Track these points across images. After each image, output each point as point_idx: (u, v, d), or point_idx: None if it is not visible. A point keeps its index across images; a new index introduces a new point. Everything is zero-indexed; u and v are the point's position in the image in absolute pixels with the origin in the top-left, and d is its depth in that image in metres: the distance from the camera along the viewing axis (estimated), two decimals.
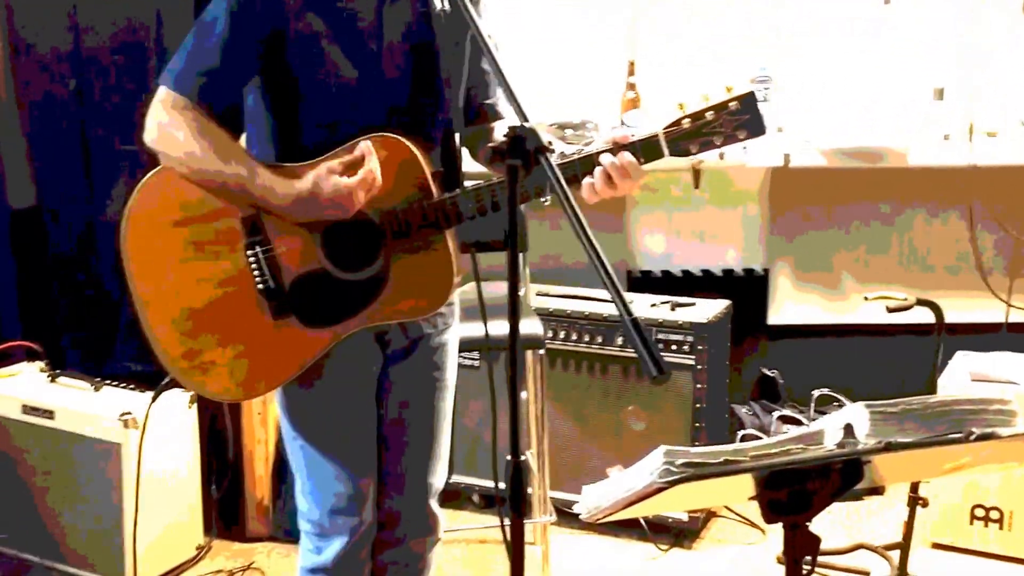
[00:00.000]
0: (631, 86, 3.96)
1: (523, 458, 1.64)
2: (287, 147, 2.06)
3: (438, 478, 2.34)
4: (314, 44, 2.00)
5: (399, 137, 2.00)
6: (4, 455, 3.40)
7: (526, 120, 1.68)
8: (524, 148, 1.64)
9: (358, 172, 1.94)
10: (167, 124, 1.98)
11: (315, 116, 2.04)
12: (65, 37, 3.77)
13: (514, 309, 1.64)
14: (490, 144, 2.12)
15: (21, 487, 3.39)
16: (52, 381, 3.47)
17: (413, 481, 2.30)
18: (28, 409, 3.34)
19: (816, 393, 4.03)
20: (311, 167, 1.98)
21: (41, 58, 3.80)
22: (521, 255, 3.42)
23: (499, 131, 2.19)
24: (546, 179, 1.68)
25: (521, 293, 3.31)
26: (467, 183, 2.07)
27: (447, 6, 2.05)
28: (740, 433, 4.01)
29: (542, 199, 1.90)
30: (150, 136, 2.00)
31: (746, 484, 1.56)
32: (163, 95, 2.00)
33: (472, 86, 2.21)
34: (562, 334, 3.63)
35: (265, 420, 3.57)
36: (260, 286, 2.04)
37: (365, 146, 1.96)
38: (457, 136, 2.16)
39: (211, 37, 1.98)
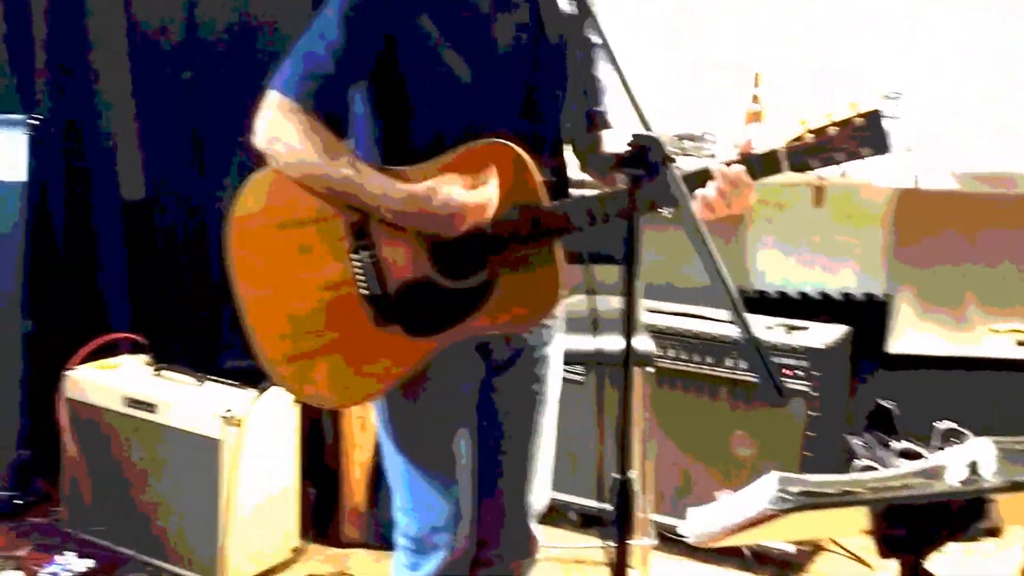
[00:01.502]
0: (755, 98, 3.84)
1: (630, 477, 1.58)
2: (393, 153, 2.04)
3: (537, 498, 2.28)
4: (427, 48, 1.97)
5: (510, 144, 1.96)
6: (105, 447, 3.43)
7: (649, 129, 1.63)
8: (648, 159, 1.60)
9: (477, 192, 1.91)
10: (276, 126, 1.98)
11: (424, 122, 2.01)
12: (182, 27, 3.82)
13: (629, 324, 1.60)
14: (612, 152, 2.10)
15: (120, 480, 3.42)
16: (156, 374, 3.49)
17: (511, 500, 2.25)
18: (130, 402, 3.37)
19: (937, 426, 3.85)
20: (425, 173, 1.94)
21: (158, 48, 3.86)
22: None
23: (608, 140, 2.16)
24: (662, 192, 1.64)
25: None
26: (574, 192, 2.04)
27: (570, 9, 2.00)
28: (859, 464, 3.85)
29: (663, 212, 1.88)
30: (259, 138, 2.00)
31: (860, 517, 1.48)
32: (273, 98, 1.99)
33: (584, 93, 2.15)
34: (671, 352, 3.53)
35: (365, 426, 3.54)
36: (364, 292, 2.01)
37: (491, 169, 1.92)
38: (569, 145, 2.13)
39: (323, 41, 1.97)
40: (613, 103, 2.17)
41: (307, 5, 3.62)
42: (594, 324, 1.99)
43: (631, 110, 1.68)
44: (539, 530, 2.31)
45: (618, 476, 1.59)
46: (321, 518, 3.62)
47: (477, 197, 1.91)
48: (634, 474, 1.60)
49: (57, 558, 3.30)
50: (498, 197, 1.93)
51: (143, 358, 3.60)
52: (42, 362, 3.70)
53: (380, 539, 3.51)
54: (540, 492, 2.29)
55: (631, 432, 1.62)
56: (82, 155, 3.93)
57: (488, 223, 1.95)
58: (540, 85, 2.06)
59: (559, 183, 2.08)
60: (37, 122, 3.76)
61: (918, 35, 3.90)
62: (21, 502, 3.65)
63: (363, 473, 3.58)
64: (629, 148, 1.62)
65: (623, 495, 1.58)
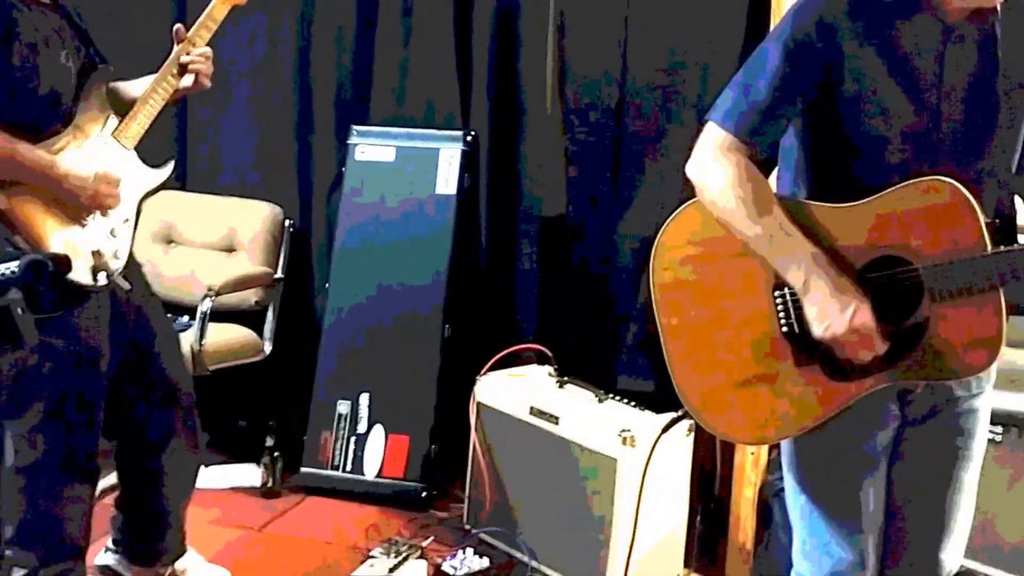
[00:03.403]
0: None
1: None
2: (821, 188, 1.99)
3: (950, 557, 2.14)
4: (868, 82, 1.90)
5: (952, 183, 1.84)
6: (508, 452, 3.58)
7: None
8: None
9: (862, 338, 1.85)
10: (712, 163, 1.97)
11: (857, 158, 1.94)
12: (615, 55, 3.92)
13: None
14: None
15: (519, 485, 3.55)
16: (560, 387, 3.60)
17: (921, 557, 2.13)
18: (535, 411, 3.48)
19: None
20: (856, 212, 1.88)
21: (587, 75, 4.00)
22: None
23: None
24: None
25: None
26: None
27: None
28: None
29: None
30: (694, 169, 2.00)
31: None
32: (713, 132, 1.99)
33: None
34: None
35: (757, 462, 3.45)
36: (784, 329, 1.97)
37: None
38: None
39: (763, 72, 1.94)
40: None
41: (737, 45, 3.63)
42: None
43: None
44: None
45: None
46: (706, 549, 3.57)
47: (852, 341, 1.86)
48: None
49: (458, 553, 3.48)
50: (879, 342, 1.87)
51: (548, 369, 3.72)
52: (454, 365, 3.94)
53: None
54: (953, 553, 2.14)
55: None
56: (508, 171, 4.14)
57: (925, 253, 1.87)
58: (988, 122, 1.93)
59: (1006, 226, 1.95)
60: (471, 137, 4.02)
61: None
62: (426, 494, 3.89)
63: (751, 509, 3.50)
64: None
65: None
